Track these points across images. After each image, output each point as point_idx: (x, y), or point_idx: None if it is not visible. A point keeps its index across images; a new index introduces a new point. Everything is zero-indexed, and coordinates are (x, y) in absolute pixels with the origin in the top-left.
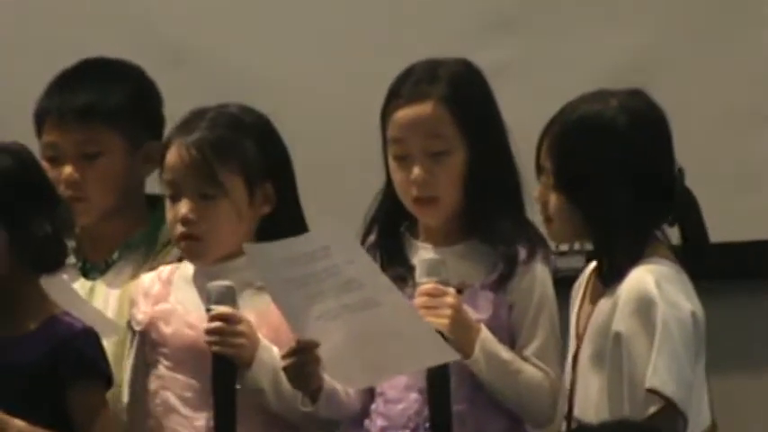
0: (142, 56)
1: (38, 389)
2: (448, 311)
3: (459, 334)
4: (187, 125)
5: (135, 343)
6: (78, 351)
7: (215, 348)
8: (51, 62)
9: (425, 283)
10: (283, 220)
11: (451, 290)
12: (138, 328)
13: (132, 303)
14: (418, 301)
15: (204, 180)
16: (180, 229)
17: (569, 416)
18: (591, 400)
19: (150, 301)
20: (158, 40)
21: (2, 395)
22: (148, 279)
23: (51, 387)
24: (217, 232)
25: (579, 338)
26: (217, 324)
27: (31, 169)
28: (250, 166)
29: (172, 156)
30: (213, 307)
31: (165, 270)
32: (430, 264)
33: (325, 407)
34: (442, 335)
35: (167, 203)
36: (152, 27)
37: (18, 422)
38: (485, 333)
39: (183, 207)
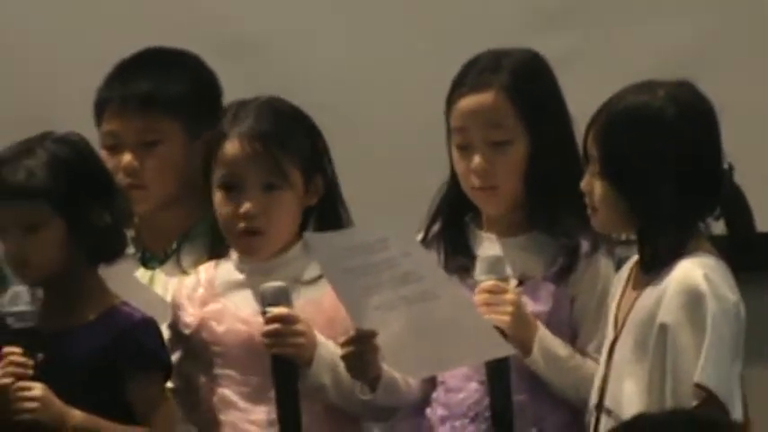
0: (195, 48)
1: (97, 380)
2: (509, 308)
3: (519, 331)
4: (236, 117)
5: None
6: (137, 342)
7: (274, 350)
8: (103, 57)
9: (485, 281)
10: (328, 212)
11: (512, 286)
12: (187, 332)
13: (176, 307)
14: (479, 297)
15: (269, 171)
16: (242, 225)
17: (600, 405)
18: (628, 390)
19: (196, 303)
20: (211, 32)
21: (62, 386)
22: (190, 283)
23: (111, 378)
24: (278, 225)
25: (618, 328)
26: (274, 326)
27: (89, 159)
28: (306, 158)
29: (231, 148)
30: (268, 309)
31: (202, 272)
32: (490, 261)
33: (383, 395)
34: (502, 332)
35: (219, 197)
36: (205, 20)
37: (78, 413)
38: (542, 331)
39: (246, 202)
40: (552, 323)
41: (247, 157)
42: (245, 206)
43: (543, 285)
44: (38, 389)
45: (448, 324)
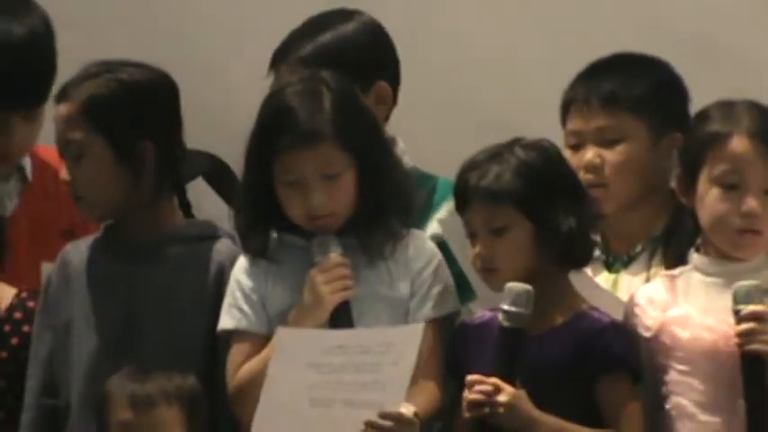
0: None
1: (566, 384)
2: None
3: None
4: (731, 116)
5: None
6: (606, 346)
7: (748, 347)
8: (561, 61)
9: None
10: None
11: None
12: (647, 335)
13: (636, 309)
14: None
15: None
16: (741, 223)
17: None
18: None
19: (657, 307)
20: (675, 33)
21: (532, 391)
22: (650, 286)
23: (580, 381)
24: None
25: None
26: (749, 324)
27: (557, 164)
28: None
29: (739, 146)
30: (742, 307)
31: (663, 276)
32: None
33: None
34: None
35: (716, 193)
36: (669, 21)
37: (549, 418)
38: None
39: (751, 201)
40: None
41: (755, 156)
42: (750, 205)
43: None
44: (505, 394)
45: None
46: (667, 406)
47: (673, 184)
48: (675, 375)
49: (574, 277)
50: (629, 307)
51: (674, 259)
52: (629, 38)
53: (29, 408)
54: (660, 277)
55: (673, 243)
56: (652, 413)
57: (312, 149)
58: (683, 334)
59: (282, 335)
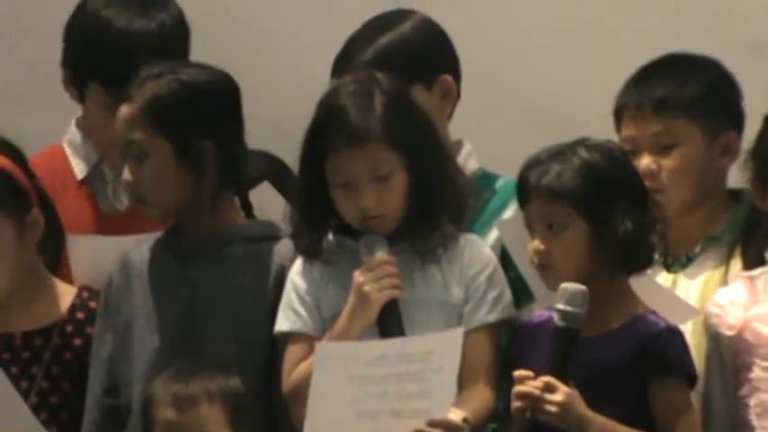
0: (720, 47)
1: (620, 387)
2: None
3: None
4: None
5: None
6: (661, 351)
7: None
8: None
9: None
10: None
11: None
12: (730, 333)
13: (715, 311)
14: None
15: None
16: None
17: None
18: None
19: (739, 306)
20: (737, 31)
21: (587, 393)
22: (730, 288)
23: (634, 386)
24: None
25: None
26: None
27: (621, 167)
28: None
29: None
30: None
31: (742, 277)
32: None
33: None
34: None
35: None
36: (731, 18)
37: (599, 419)
38: None
39: None
40: None
41: None
42: None
43: None
44: (560, 394)
45: None
46: (751, 403)
47: (729, 185)
48: (759, 372)
49: (638, 280)
50: (709, 311)
51: (753, 260)
52: (688, 38)
53: (91, 408)
54: (739, 278)
55: (751, 244)
56: (733, 413)
57: (361, 150)
58: (766, 330)
59: (321, 350)
